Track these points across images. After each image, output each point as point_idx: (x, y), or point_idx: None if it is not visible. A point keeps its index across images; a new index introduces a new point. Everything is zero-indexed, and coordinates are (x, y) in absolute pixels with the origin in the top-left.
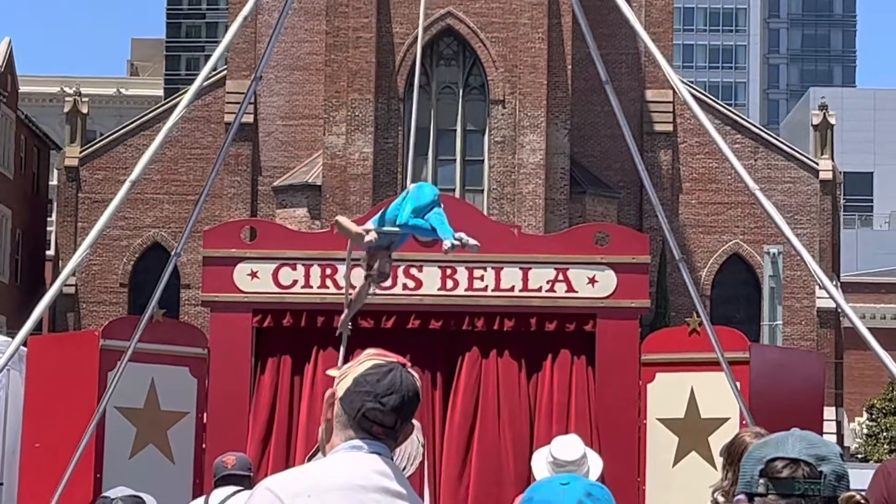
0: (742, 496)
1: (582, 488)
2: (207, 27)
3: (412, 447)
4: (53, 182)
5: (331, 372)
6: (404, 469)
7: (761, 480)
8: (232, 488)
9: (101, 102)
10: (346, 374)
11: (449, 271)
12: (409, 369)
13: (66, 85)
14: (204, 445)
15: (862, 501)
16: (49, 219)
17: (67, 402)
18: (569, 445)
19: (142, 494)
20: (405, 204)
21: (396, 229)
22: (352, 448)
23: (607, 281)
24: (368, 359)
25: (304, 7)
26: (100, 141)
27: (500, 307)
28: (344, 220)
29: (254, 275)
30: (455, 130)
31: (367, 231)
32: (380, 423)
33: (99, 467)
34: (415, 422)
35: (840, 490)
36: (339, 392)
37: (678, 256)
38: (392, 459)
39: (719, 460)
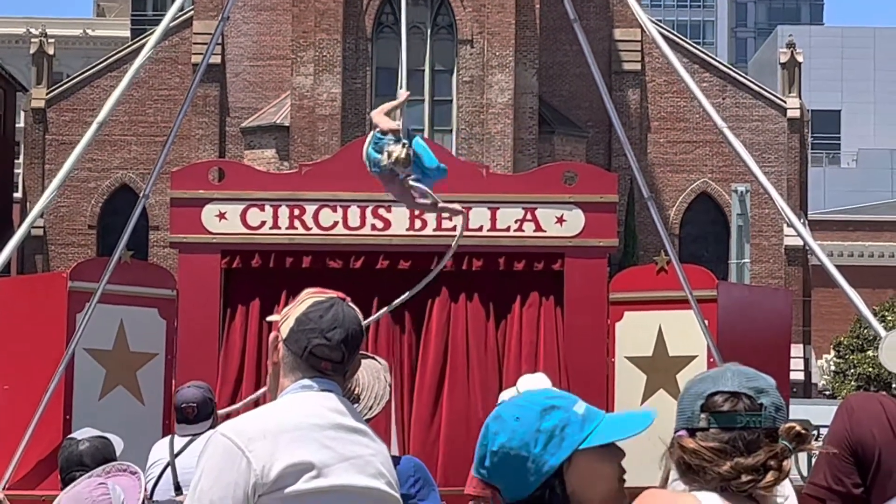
0: (683, 432)
1: (543, 395)
2: None
3: (379, 387)
4: (20, 124)
5: (271, 317)
6: (371, 408)
7: (702, 415)
8: (194, 428)
9: (67, 44)
10: (288, 315)
11: (417, 211)
12: (350, 303)
13: (31, 26)
14: (174, 386)
15: (802, 432)
16: (16, 161)
17: (36, 343)
18: (535, 382)
19: (108, 435)
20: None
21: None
22: (302, 388)
23: (575, 220)
24: (308, 297)
25: None
26: (67, 82)
27: (468, 247)
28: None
29: (222, 216)
30: (423, 70)
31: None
32: (327, 358)
33: (68, 409)
34: (382, 361)
35: (779, 421)
36: (283, 333)
37: (646, 195)
38: (343, 396)
39: None
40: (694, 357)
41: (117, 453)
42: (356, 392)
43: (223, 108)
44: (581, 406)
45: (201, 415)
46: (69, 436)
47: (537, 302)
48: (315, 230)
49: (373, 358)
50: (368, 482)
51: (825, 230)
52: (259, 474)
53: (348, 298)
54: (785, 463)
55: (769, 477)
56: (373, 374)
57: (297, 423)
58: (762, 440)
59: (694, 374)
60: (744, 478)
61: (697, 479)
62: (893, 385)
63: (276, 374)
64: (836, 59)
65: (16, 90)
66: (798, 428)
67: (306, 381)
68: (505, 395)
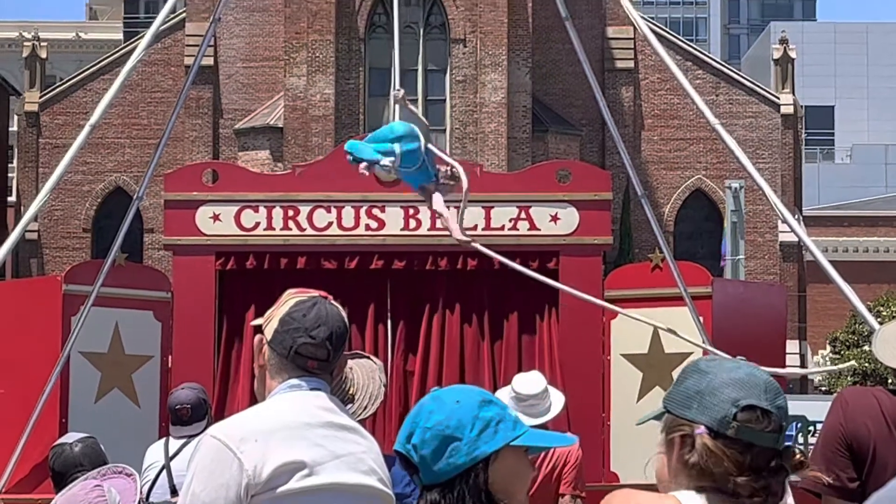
0: (704, 429)
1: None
2: None
3: (374, 386)
4: (14, 128)
5: (255, 322)
6: (366, 408)
7: (734, 424)
8: (189, 430)
9: (60, 47)
10: (272, 317)
11: (412, 211)
12: (332, 301)
13: (24, 30)
14: (170, 388)
15: (803, 460)
16: (10, 165)
17: (31, 347)
18: (530, 380)
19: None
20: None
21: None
22: (291, 388)
23: (570, 218)
24: (290, 297)
25: None
26: (59, 86)
27: (462, 246)
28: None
29: (216, 217)
30: (416, 70)
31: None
32: (313, 356)
33: (64, 412)
34: (377, 361)
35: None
36: (268, 335)
37: (640, 193)
38: (335, 395)
39: None
40: (689, 354)
41: None
42: (351, 392)
43: (216, 109)
44: (513, 413)
45: (195, 416)
46: (57, 442)
47: (532, 300)
48: (309, 231)
49: (367, 357)
50: (360, 479)
51: (820, 226)
52: (251, 475)
53: (331, 297)
54: (785, 485)
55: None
56: (367, 373)
57: (288, 422)
58: (773, 460)
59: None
60: (755, 498)
61: (702, 477)
62: (890, 381)
63: (262, 376)
64: (830, 55)
65: (9, 94)
66: (800, 457)
67: (294, 381)
68: (500, 394)
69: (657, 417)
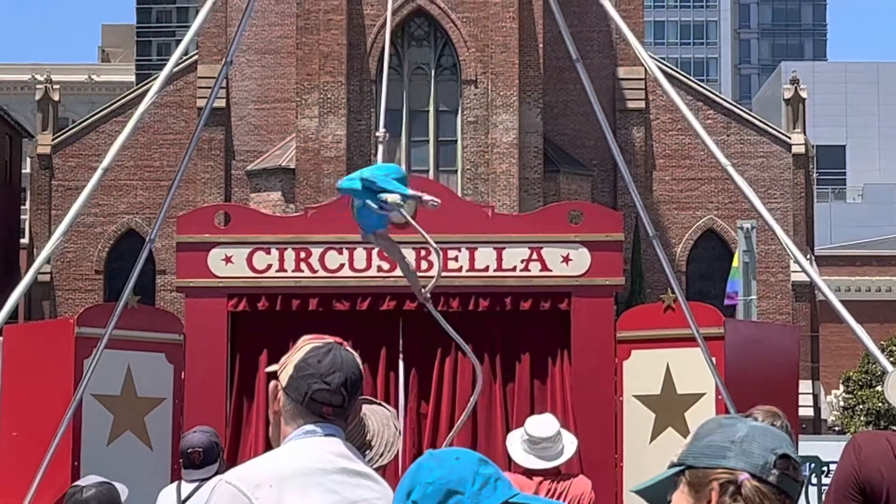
0: (747, 475)
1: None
2: (178, 12)
3: (389, 434)
4: (26, 170)
5: (270, 368)
6: (382, 456)
7: (774, 471)
8: (201, 473)
9: (72, 89)
10: (287, 363)
11: (423, 252)
12: (347, 347)
13: (37, 72)
14: (182, 431)
15: None
16: (23, 207)
17: (44, 390)
18: (543, 423)
19: (113, 482)
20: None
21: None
22: (306, 434)
23: (581, 259)
24: (305, 344)
25: None
26: (72, 128)
27: (474, 287)
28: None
29: (228, 260)
30: (428, 111)
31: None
32: (328, 402)
33: (76, 455)
34: (390, 408)
35: None
36: (283, 381)
37: (651, 234)
38: (350, 441)
39: None
40: (702, 395)
41: (122, 500)
42: (368, 438)
43: (228, 151)
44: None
45: (207, 460)
46: (74, 483)
47: (544, 341)
48: (321, 272)
49: (380, 404)
50: None
51: (832, 265)
52: None
53: (346, 343)
54: None
55: None
56: (382, 420)
57: (303, 468)
58: None
59: (702, 413)
60: None
61: None
62: None
63: (277, 422)
64: (840, 95)
65: (21, 136)
66: None
67: (309, 427)
68: (513, 437)
69: (653, 490)
